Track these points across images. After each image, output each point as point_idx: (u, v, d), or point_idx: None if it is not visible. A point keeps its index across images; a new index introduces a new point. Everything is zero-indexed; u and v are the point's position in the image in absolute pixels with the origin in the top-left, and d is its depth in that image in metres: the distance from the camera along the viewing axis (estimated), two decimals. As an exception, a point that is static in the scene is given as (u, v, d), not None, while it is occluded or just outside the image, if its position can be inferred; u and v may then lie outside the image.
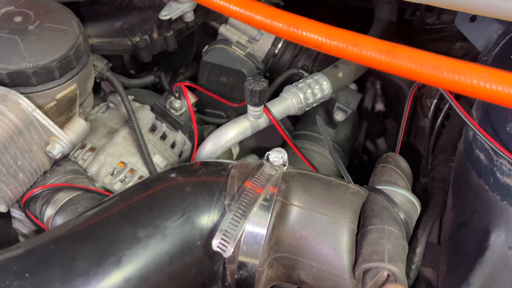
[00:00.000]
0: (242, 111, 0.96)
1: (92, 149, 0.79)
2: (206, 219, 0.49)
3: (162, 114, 0.85)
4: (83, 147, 0.79)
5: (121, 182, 0.77)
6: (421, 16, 1.10)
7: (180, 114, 0.86)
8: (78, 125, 0.62)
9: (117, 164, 0.78)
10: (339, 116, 0.85)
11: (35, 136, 0.59)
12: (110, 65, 0.81)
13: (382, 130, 1.19)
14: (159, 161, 0.82)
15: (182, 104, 0.86)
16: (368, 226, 0.51)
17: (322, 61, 0.92)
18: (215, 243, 0.46)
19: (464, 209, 0.66)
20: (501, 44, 0.64)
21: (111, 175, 0.77)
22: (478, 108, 0.66)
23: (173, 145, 0.86)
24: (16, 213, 0.76)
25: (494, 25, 0.69)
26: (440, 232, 0.75)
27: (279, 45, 0.93)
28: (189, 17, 0.82)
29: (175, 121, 0.85)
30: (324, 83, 0.73)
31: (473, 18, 0.71)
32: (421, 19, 1.11)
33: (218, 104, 0.95)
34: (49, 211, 0.64)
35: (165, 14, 0.77)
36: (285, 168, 0.55)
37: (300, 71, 0.86)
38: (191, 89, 0.95)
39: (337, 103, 0.85)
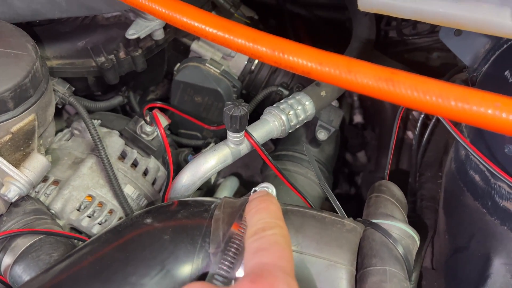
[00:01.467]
0: (219, 131, 0.91)
1: (56, 182, 0.72)
2: (189, 272, 0.43)
3: (132, 139, 0.79)
4: (45, 180, 0.71)
5: (89, 217, 0.70)
6: (397, 26, 1.08)
7: (152, 139, 0.79)
8: (37, 162, 0.55)
9: (84, 198, 0.71)
10: (322, 135, 0.80)
11: (-13, 178, 0.52)
12: (73, 89, 0.74)
13: (361, 143, 1.16)
14: (131, 192, 0.75)
15: (154, 128, 0.80)
16: (368, 267, 0.47)
17: (301, 78, 0.88)
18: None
19: (460, 233, 0.62)
20: (491, 61, 0.61)
21: (78, 210, 0.70)
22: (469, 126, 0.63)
23: (145, 173, 0.80)
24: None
25: (481, 39, 0.66)
26: (433, 255, 0.71)
27: (256, 62, 0.88)
28: (159, 34, 0.76)
29: (147, 146, 0.79)
30: (307, 103, 0.68)
31: (458, 31, 0.68)
32: (397, 29, 1.08)
33: (193, 124, 0.89)
34: (6, 260, 0.57)
35: (133, 33, 0.71)
36: (274, 204, 0.50)
37: (280, 88, 0.82)
38: (163, 110, 0.88)
39: (319, 121, 0.81)
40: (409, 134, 1.03)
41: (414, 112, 1.00)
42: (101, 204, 0.72)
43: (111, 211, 0.72)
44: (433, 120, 0.84)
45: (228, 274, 0.41)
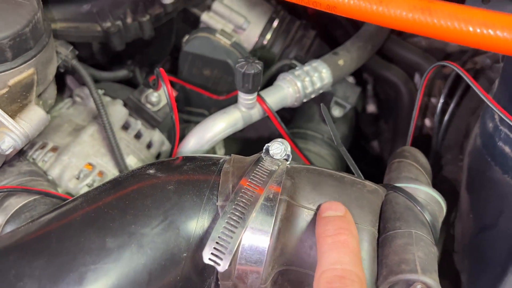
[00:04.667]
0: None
1: (54, 149, 0.68)
2: (194, 225, 0.39)
3: (136, 109, 0.75)
4: (43, 146, 0.67)
5: (89, 187, 0.66)
6: None
7: (158, 110, 0.76)
8: (35, 114, 0.51)
9: (83, 166, 0.67)
10: (336, 112, 0.76)
11: (-21, 127, 0.48)
12: (77, 52, 0.70)
13: (375, 132, 1.11)
14: (133, 163, 0.71)
15: (160, 98, 0.76)
16: (392, 230, 0.42)
17: (316, 53, 0.84)
18: (206, 255, 0.36)
19: (487, 212, 0.58)
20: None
21: (77, 178, 0.66)
22: (500, 92, 0.58)
23: (149, 145, 0.76)
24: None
25: (510, 6, 0.62)
26: (454, 239, 0.66)
27: (268, 36, 0.84)
28: (168, -1, 0.73)
29: (152, 117, 0.75)
30: (324, 70, 0.64)
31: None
32: None
33: (200, 100, 0.85)
34: (-3, 220, 0.53)
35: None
36: (288, 163, 0.45)
37: (293, 61, 0.78)
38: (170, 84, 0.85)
39: (334, 97, 0.76)
40: (427, 122, 0.99)
41: (432, 99, 0.96)
42: (101, 173, 0.68)
43: (111, 182, 0.68)
44: (453, 102, 0.80)
45: (237, 225, 0.37)
